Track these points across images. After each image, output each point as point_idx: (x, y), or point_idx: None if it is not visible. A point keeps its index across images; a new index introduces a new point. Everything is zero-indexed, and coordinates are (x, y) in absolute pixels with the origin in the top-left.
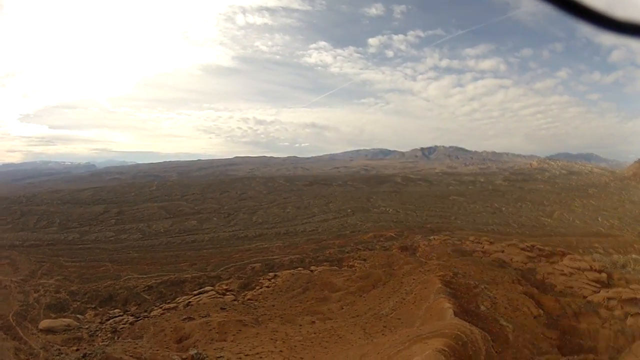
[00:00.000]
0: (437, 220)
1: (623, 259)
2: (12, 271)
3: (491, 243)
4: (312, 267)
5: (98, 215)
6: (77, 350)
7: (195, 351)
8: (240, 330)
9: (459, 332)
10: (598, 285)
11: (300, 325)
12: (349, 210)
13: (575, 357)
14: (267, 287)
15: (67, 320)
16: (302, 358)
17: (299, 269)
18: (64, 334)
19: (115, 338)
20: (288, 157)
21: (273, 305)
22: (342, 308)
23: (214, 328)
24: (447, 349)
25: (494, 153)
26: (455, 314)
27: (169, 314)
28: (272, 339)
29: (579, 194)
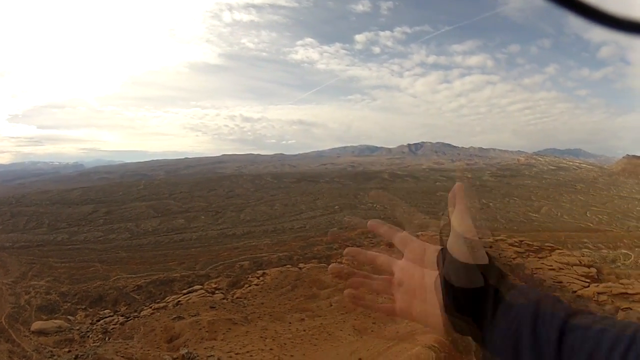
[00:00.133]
0: (425, 216)
1: (612, 254)
2: (2, 273)
3: (479, 239)
4: (301, 265)
5: (87, 215)
6: (69, 351)
7: (186, 350)
8: (230, 329)
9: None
10: (587, 280)
11: (290, 323)
12: (336, 207)
13: None
14: (256, 285)
15: (59, 322)
16: (292, 356)
17: (288, 266)
18: (55, 335)
19: (106, 339)
20: (275, 154)
21: (262, 303)
22: (331, 305)
23: (204, 327)
24: (437, 345)
25: (481, 149)
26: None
27: (158, 313)
28: (262, 337)
29: (567, 189)
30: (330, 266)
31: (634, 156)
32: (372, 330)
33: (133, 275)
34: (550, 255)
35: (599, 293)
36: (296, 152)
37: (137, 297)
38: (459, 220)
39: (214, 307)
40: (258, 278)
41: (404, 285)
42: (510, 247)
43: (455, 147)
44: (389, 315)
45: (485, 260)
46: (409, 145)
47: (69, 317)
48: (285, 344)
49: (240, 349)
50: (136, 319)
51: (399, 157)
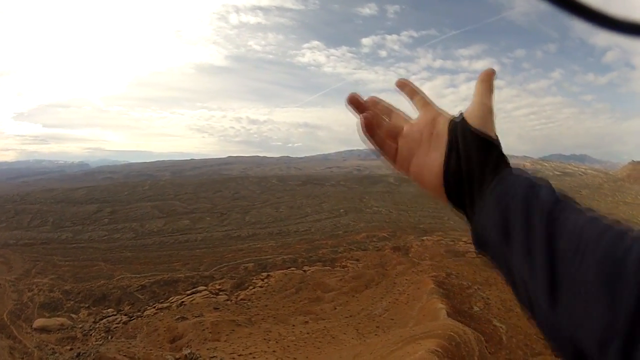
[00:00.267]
0: (430, 220)
1: None
2: (6, 270)
3: None
4: (305, 267)
5: (91, 214)
6: (71, 349)
7: (189, 351)
8: (233, 330)
9: (452, 333)
10: None
11: (293, 326)
12: (342, 211)
13: None
14: (260, 287)
15: (61, 320)
16: (295, 358)
17: (292, 269)
18: (57, 333)
19: (109, 337)
20: (281, 156)
21: (266, 305)
22: (335, 308)
23: (207, 328)
24: (440, 350)
25: None
26: (449, 315)
27: (162, 313)
28: (265, 339)
29: (572, 195)
30: (349, 95)
31: (639, 162)
32: (375, 334)
33: (137, 275)
34: None
35: None
36: (302, 155)
37: (140, 296)
38: (482, 97)
39: (218, 309)
40: (262, 280)
41: (409, 137)
42: None
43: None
44: (388, 159)
45: (495, 137)
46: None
47: (71, 315)
48: (288, 346)
49: (243, 350)
50: (139, 318)
51: None
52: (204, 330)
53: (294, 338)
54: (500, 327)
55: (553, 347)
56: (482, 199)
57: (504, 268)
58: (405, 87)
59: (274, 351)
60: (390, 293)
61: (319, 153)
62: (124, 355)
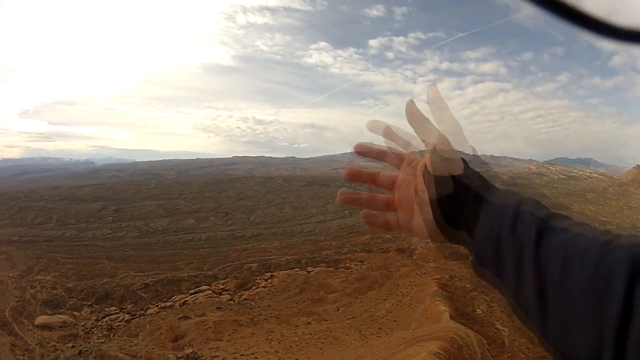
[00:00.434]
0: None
1: None
2: (9, 266)
3: None
4: (309, 268)
5: (96, 212)
6: (73, 347)
7: (191, 350)
8: (236, 330)
9: (454, 336)
10: None
11: (296, 326)
12: (347, 212)
13: None
14: (264, 287)
15: (63, 317)
16: (297, 359)
17: (296, 269)
18: (59, 330)
19: (111, 336)
20: (287, 157)
21: (269, 306)
22: (338, 309)
23: (209, 327)
24: (442, 352)
25: (492, 157)
26: (451, 317)
27: (165, 312)
28: (267, 340)
29: (577, 199)
30: (339, 192)
31: None
32: (378, 336)
33: (141, 274)
34: None
35: None
36: (308, 156)
37: (143, 295)
38: (429, 133)
39: (221, 308)
40: (266, 280)
41: (402, 201)
42: None
43: (467, 154)
44: (393, 230)
45: (460, 171)
46: (420, 151)
47: (74, 312)
48: (290, 347)
49: (245, 350)
50: (142, 317)
51: None
52: (206, 329)
53: (297, 338)
54: (503, 330)
55: None
56: (473, 235)
57: (504, 293)
58: (370, 155)
59: (276, 351)
60: (393, 295)
61: (325, 154)
62: (126, 354)
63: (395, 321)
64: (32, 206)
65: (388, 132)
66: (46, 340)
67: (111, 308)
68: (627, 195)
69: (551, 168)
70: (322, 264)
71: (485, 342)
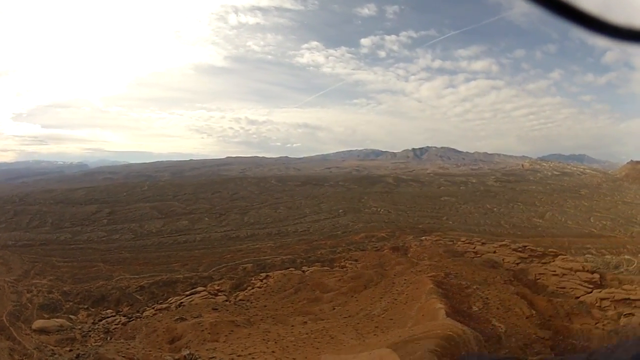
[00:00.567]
0: (429, 220)
1: (615, 259)
2: (5, 271)
3: (483, 244)
4: (304, 268)
5: (90, 215)
6: (70, 350)
7: (188, 352)
8: (232, 331)
9: (451, 333)
10: (591, 285)
11: (292, 326)
12: (341, 211)
13: (568, 357)
14: (259, 287)
15: (60, 321)
16: (294, 359)
17: (291, 269)
18: (57, 334)
19: (108, 338)
20: (280, 157)
21: (265, 306)
22: (334, 308)
23: (206, 329)
24: (439, 349)
25: (485, 154)
26: (447, 315)
27: (161, 314)
28: (264, 340)
29: (571, 195)
30: None
31: (638, 162)
32: (374, 334)
33: (136, 276)
34: (554, 261)
35: (601, 299)
36: (301, 156)
37: (139, 297)
38: None
39: (217, 309)
40: (261, 281)
41: None
42: (514, 252)
43: (460, 152)
44: None
45: None
46: (413, 149)
47: (70, 316)
48: (287, 346)
49: (242, 351)
50: (138, 319)
51: (404, 162)
52: (203, 331)
53: (293, 338)
54: (499, 326)
55: None
56: None
57: None
58: None
59: (273, 351)
60: (389, 293)
61: (318, 153)
62: (123, 357)
63: (392, 319)
64: (27, 210)
65: None
66: (44, 344)
67: (107, 311)
68: (621, 191)
69: (545, 164)
70: (317, 263)
71: (482, 338)
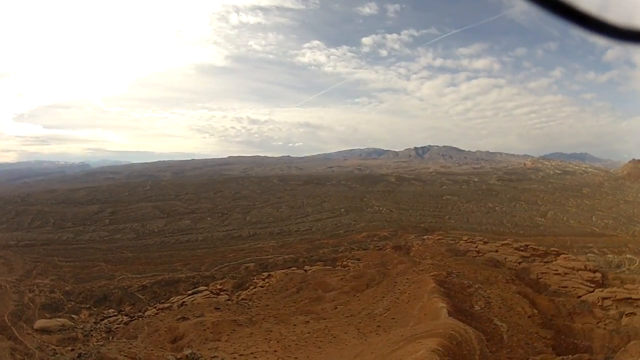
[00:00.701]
0: (431, 219)
1: (617, 258)
2: (7, 271)
3: (485, 243)
4: (306, 267)
5: (92, 215)
6: (72, 350)
7: (190, 351)
8: (234, 330)
9: (453, 332)
10: (592, 285)
11: (294, 325)
12: (343, 210)
13: (570, 356)
14: (261, 287)
15: (62, 320)
16: (296, 358)
17: (293, 268)
18: (58, 334)
19: (110, 338)
20: (282, 156)
21: (267, 305)
22: (336, 308)
23: (208, 328)
24: (441, 349)
25: (487, 153)
26: (450, 314)
27: (163, 313)
28: (266, 339)
29: (573, 193)
30: None
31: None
32: (376, 334)
33: (138, 275)
34: (556, 260)
35: (603, 298)
36: (303, 155)
37: (141, 297)
38: None
39: (219, 309)
40: (263, 280)
41: None
42: (516, 251)
43: (462, 150)
44: None
45: None
46: (415, 148)
47: (72, 315)
48: (289, 346)
49: (244, 350)
50: (140, 318)
51: (406, 160)
52: (205, 330)
53: (295, 337)
54: (501, 325)
55: None
56: None
57: None
58: None
59: (275, 351)
60: (391, 292)
61: (319, 153)
62: (125, 356)
63: (394, 318)
64: (28, 210)
65: None
66: (46, 344)
67: (109, 310)
68: (623, 189)
69: (547, 163)
70: (319, 263)
71: (483, 337)
